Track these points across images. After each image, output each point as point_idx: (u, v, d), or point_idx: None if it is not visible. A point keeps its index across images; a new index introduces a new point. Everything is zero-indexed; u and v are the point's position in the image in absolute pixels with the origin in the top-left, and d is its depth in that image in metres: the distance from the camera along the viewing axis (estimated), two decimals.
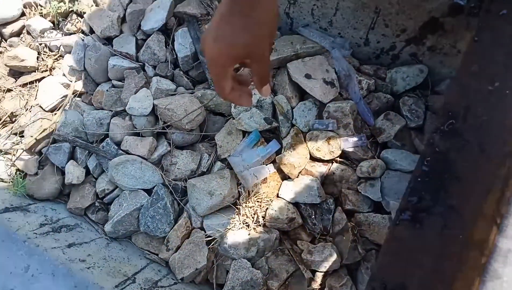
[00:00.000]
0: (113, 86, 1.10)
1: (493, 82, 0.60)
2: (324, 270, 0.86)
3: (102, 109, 1.07)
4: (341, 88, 0.98)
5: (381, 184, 0.90)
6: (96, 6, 1.17)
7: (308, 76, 0.98)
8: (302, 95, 1.02)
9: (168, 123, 1.00)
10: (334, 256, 0.86)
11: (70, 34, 1.16)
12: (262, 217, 0.90)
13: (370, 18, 0.93)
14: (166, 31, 1.13)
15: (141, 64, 1.10)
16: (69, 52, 1.14)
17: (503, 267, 0.42)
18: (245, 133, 0.99)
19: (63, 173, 1.03)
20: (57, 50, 1.17)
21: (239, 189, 0.94)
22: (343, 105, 0.94)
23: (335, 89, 0.97)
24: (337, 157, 0.94)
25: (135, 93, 1.04)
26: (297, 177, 0.93)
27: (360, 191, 0.91)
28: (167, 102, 1.01)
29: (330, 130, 0.94)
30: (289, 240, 0.92)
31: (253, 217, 0.90)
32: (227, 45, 0.54)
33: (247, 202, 0.91)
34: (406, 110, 0.94)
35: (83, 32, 1.17)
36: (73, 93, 1.10)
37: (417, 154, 0.90)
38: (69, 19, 1.17)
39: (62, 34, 1.18)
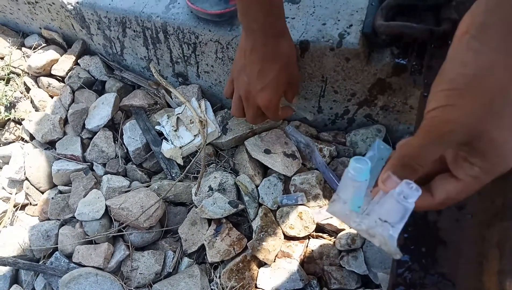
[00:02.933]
0: (60, 192, 1.00)
1: None
2: None
3: (48, 219, 0.96)
4: (304, 159, 0.94)
5: (364, 255, 0.83)
6: (36, 111, 1.11)
7: (267, 152, 0.94)
8: (265, 171, 0.97)
9: (124, 224, 0.91)
10: None
11: (9, 143, 1.08)
12: None
13: (319, 86, 0.93)
14: (113, 126, 1.07)
15: (89, 164, 1.02)
16: (7, 163, 1.04)
17: None
18: (210, 221, 0.91)
19: None
20: None
21: (212, 287, 0.84)
22: (308, 176, 0.89)
23: (298, 161, 0.93)
24: (312, 232, 0.87)
25: (84, 196, 0.95)
26: (274, 261, 0.84)
27: (343, 266, 0.83)
28: (121, 200, 0.93)
29: (300, 204, 0.89)
30: None
31: None
32: (276, 88, 0.68)
33: None
34: None
35: (23, 139, 1.09)
36: (14, 207, 0.99)
37: None
38: (6, 128, 1.09)
39: (0, 144, 1.09)
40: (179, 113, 1.02)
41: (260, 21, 0.65)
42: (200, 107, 1.02)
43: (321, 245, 0.86)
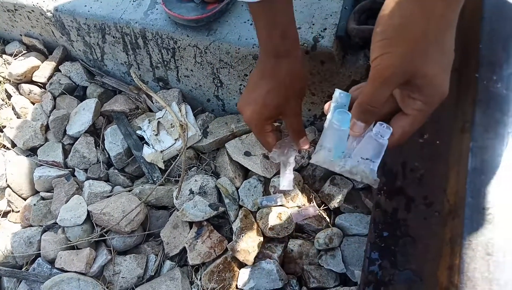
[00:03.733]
0: (42, 198, 1.01)
1: (422, 134, 0.59)
2: None
3: (31, 226, 0.97)
4: None
5: (341, 253, 0.85)
6: (17, 118, 1.11)
7: (247, 154, 0.96)
8: (246, 173, 0.99)
9: (106, 229, 0.92)
10: None
11: None
12: None
13: None
14: (95, 131, 1.08)
15: (71, 169, 1.03)
16: None
17: None
18: (192, 224, 0.92)
19: None
20: None
21: (193, 289, 0.85)
22: None
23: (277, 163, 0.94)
24: (291, 232, 0.89)
25: (66, 202, 0.96)
26: (253, 262, 0.86)
27: (322, 265, 0.85)
28: (102, 205, 0.94)
29: (279, 205, 0.90)
30: None
31: None
32: (260, 106, 0.61)
33: None
34: None
35: (4, 146, 1.09)
36: None
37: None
38: None
39: None
40: (160, 118, 1.03)
41: (263, 37, 0.62)
42: (180, 111, 1.03)
43: (300, 245, 0.88)
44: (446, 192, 0.50)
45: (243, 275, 0.85)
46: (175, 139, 1.01)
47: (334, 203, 0.90)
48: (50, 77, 1.14)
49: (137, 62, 1.07)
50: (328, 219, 0.90)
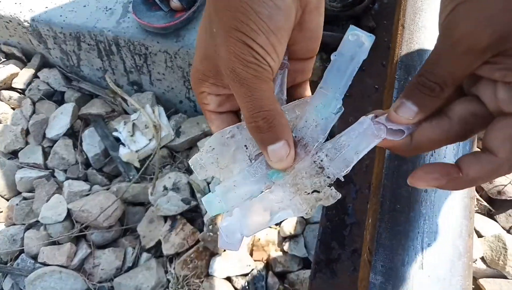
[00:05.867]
0: (24, 198, 1.06)
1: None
2: None
3: (14, 224, 1.02)
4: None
5: (304, 240, 0.93)
6: None
7: None
8: None
9: (85, 225, 0.98)
10: None
11: None
12: None
13: None
14: (73, 134, 1.14)
15: (51, 171, 1.08)
16: None
17: None
18: (166, 218, 0.99)
19: None
20: None
21: (168, 277, 0.92)
22: None
23: None
24: None
25: (47, 201, 1.02)
26: (224, 251, 0.93)
27: (286, 251, 0.93)
28: (81, 203, 1.00)
29: None
30: None
31: None
32: (194, 65, 0.35)
33: (177, 289, 0.89)
34: None
35: None
36: None
37: None
38: None
39: None
40: (134, 119, 1.10)
41: None
42: (154, 112, 1.09)
43: (267, 234, 0.95)
44: (372, 177, 0.58)
45: (214, 262, 0.92)
46: (149, 139, 1.07)
47: None
48: (29, 83, 1.19)
49: (111, 67, 1.13)
50: None
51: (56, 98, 1.20)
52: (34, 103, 1.17)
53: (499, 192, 0.87)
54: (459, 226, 0.49)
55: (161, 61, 1.05)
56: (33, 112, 1.16)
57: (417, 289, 0.44)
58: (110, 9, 1.07)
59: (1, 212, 1.06)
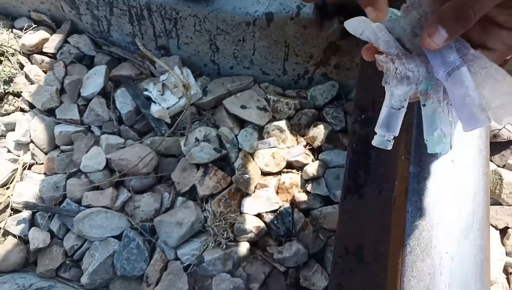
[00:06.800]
0: (62, 151, 1.14)
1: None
2: (295, 265, 0.96)
3: (56, 173, 1.10)
4: (274, 111, 1.14)
5: (325, 181, 1.04)
6: (31, 84, 1.23)
7: (243, 107, 1.13)
8: (242, 124, 1.16)
9: (124, 172, 1.07)
10: (302, 250, 0.96)
11: (9, 114, 1.20)
12: (232, 232, 0.99)
13: (283, 51, 1.13)
14: (105, 94, 1.22)
15: (87, 126, 1.17)
16: (12, 130, 1.17)
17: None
18: (198, 167, 1.09)
19: (25, 242, 1.02)
20: None
21: (205, 214, 1.02)
22: (278, 124, 1.09)
23: (269, 113, 1.13)
24: (283, 168, 1.07)
25: (87, 152, 1.10)
26: (253, 192, 1.04)
27: (309, 191, 1.04)
28: (119, 154, 1.09)
29: (272, 147, 1.08)
30: (259, 249, 1.01)
31: (223, 235, 0.98)
32: None
33: (215, 222, 0.99)
34: (330, 118, 1.12)
35: (22, 110, 1.21)
36: (23, 166, 1.12)
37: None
38: (5, 100, 1.21)
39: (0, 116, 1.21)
40: (164, 80, 1.19)
41: None
42: (182, 73, 1.19)
43: (291, 177, 1.06)
44: None
45: (245, 202, 1.03)
46: (179, 98, 1.17)
47: (317, 143, 1.09)
48: (60, 48, 1.27)
49: (141, 32, 1.22)
50: (312, 156, 1.09)
51: (86, 62, 1.28)
52: (66, 66, 1.25)
53: (495, 136, 1.00)
54: (479, 130, 0.62)
55: (190, 25, 1.14)
56: (66, 74, 1.24)
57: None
58: None
59: (41, 164, 1.14)
